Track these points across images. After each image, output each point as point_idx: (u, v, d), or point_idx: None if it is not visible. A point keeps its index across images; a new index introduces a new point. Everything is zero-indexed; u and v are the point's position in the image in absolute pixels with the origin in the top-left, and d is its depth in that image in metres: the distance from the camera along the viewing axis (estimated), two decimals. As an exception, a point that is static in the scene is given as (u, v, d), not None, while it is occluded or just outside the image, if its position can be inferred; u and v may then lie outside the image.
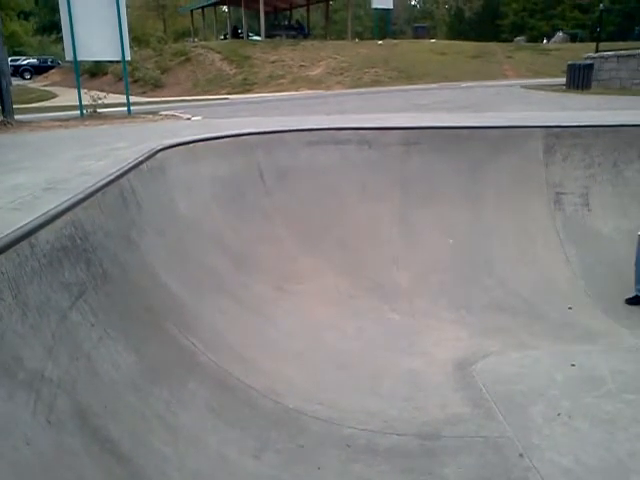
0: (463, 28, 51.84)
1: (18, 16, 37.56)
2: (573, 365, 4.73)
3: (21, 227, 2.94)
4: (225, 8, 50.23)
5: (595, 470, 3.37)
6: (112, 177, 4.42)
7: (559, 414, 3.99)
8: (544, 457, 3.54)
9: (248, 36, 38.85)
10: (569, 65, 19.06)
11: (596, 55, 19.36)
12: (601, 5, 32.82)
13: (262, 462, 3.14)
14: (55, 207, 3.36)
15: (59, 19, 12.27)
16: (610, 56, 18.65)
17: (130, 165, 4.92)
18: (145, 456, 2.63)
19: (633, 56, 18.05)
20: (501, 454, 3.61)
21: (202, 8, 44.98)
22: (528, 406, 4.15)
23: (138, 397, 2.92)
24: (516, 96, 17.15)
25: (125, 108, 13.33)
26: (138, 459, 2.58)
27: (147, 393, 2.99)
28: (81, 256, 3.34)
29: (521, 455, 3.56)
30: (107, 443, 2.51)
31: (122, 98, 14.41)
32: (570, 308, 5.93)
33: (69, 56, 12.27)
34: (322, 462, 3.29)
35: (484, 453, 3.61)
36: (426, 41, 36.20)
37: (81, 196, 3.73)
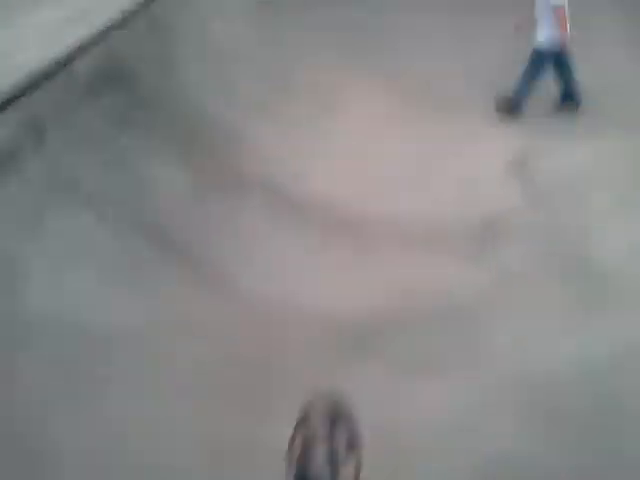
0: None
1: None
2: (638, 155, 4.44)
3: (57, 57, 2.93)
4: None
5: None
6: (140, 4, 4.22)
7: (621, 203, 3.86)
8: (603, 241, 3.52)
9: None
10: None
11: None
12: None
13: (316, 260, 3.25)
14: (87, 36, 3.30)
15: None
16: None
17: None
18: (215, 259, 2.80)
19: None
20: (560, 238, 3.61)
21: None
22: (588, 197, 4.00)
23: (199, 209, 3.05)
24: None
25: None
26: (209, 261, 2.76)
27: (206, 205, 3.11)
28: (120, 83, 3.32)
29: (578, 238, 3.56)
30: (178, 249, 2.68)
31: None
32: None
33: None
34: (382, 254, 3.40)
35: (542, 237, 3.62)
36: None
37: (110, 24, 3.62)
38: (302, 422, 1.09)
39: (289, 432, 0.95)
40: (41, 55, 2.94)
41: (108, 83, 3.20)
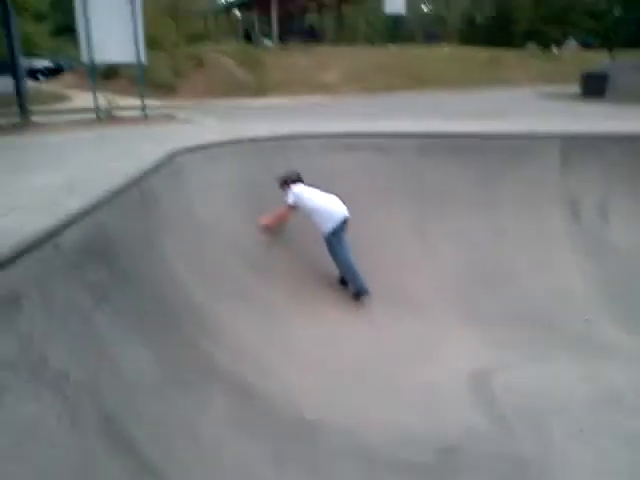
0: (474, 34, 51.71)
1: (33, 18, 37.97)
2: (593, 380, 4.66)
3: (45, 228, 2.94)
4: (238, 12, 50.57)
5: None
6: (132, 179, 4.42)
7: (581, 430, 3.92)
8: (566, 477, 3.48)
9: (260, 40, 38.88)
10: (584, 74, 19.00)
11: (611, 63, 19.30)
12: (614, 13, 32.73)
13: (282, 472, 3.12)
14: (77, 208, 3.36)
15: (74, 22, 12.32)
16: (626, 65, 18.57)
17: (150, 167, 4.93)
18: (169, 464, 2.61)
19: (650, 65, 17.98)
20: (522, 473, 3.55)
21: (215, 13, 45.25)
22: (548, 422, 4.07)
23: (161, 402, 2.90)
24: (531, 103, 17.07)
25: (139, 111, 13.35)
26: (164, 466, 2.56)
27: (169, 399, 2.98)
28: (103, 257, 3.34)
29: (542, 473, 3.51)
30: (132, 449, 2.49)
31: (136, 101, 14.44)
32: (587, 320, 5.86)
33: (85, 58, 12.29)
34: (341, 473, 3.25)
35: (505, 471, 3.55)
36: (439, 47, 36.18)
37: (102, 198, 3.73)
38: None
39: None
40: (32, 224, 2.94)
41: (92, 257, 3.20)
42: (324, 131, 7.80)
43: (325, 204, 5.96)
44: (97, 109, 12.44)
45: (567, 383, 4.66)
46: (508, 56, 33.22)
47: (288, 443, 3.35)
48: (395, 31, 39.37)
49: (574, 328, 5.73)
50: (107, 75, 28.62)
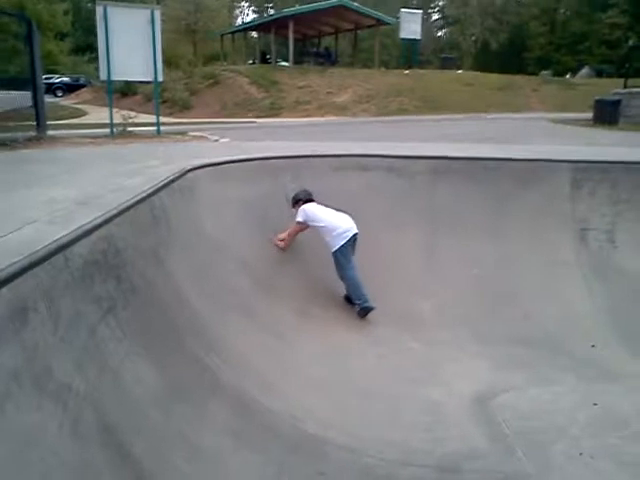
0: (489, 60, 52.15)
1: (55, 37, 38.82)
2: (595, 404, 4.64)
3: (56, 240, 3.00)
4: (255, 34, 51.41)
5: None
6: (144, 195, 4.51)
7: (581, 454, 3.91)
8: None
9: (276, 62, 39.36)
10: (597, 100, 19.02)
11: (624, 91, 19.33)
12: (629, 42, 32.92)
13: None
14: (89, 222, 3.43)
15: (94, 40, 12.59)
16: (639, 92, 18.58)
17: (161, 184, 5.01)
18: (168, 475, 2.63)
19: (662, 93, 18.00)
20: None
21: (232, 33, 46.01)
22: (549, 444, 4.07)
23: (161, 414, 2.93)
24: (543, 129, 17.14)
25: (154, 128, 13.55)
26: (162, 478, 2.58)
27: (170, 410, 3.01)
28: (112, 271, 3.40)
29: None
30: (130, 459, 2.52)
31: (151, 118, 14.68)
32: (593, 346, 5.84)
33: (104, 76, 12.51)
34: (341, 489, 3.26)
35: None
36: (452, 72, 36.41)
37: (114, 212, 3.80)
38: None
39: None
40: (44, 237, 3.00)
41: (101, 270, 3.26)
42: (336, 152, 7.89)
43: (335, 221, 6.05)
44: (112, 125, 12.64)
45: (570, 406, 4.64)
46: (522, 82, 33.39)
47: (289, 457, 3.36)
48: (410, 55, 39.72)
49: (580, 352, 5.71)
50: (124, 92, 29.14)
